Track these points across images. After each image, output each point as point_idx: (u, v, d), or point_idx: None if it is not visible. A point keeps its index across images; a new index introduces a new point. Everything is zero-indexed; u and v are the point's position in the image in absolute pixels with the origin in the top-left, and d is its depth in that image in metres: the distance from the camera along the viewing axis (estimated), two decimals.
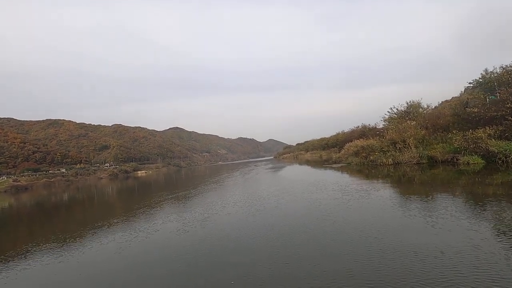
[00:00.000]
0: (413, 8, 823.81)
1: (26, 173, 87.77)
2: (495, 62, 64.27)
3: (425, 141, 20.89)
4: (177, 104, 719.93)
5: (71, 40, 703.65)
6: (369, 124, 38.18)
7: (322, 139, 69.69)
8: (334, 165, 27.50)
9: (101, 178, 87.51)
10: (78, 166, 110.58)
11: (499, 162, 14.72)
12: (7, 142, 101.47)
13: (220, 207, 11.41)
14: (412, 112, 28.00)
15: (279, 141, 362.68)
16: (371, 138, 27.35)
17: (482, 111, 18.14)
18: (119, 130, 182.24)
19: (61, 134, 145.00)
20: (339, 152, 35.11)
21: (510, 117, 15.88)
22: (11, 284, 5.88)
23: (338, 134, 57.21)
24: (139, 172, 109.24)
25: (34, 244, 8.92)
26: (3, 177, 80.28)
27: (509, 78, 19.47)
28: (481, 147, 15.80)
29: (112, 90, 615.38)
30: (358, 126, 42.64)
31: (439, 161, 18.14)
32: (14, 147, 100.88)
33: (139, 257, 6.51)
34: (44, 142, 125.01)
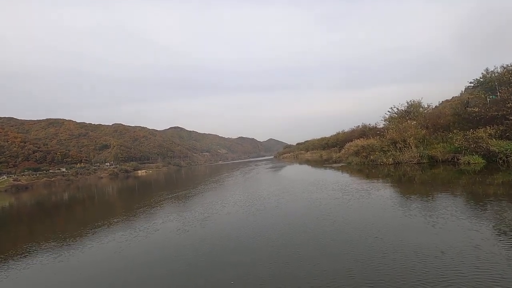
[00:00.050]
0: (413, 8, 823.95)
1: (27, 173, 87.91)
2: (495, 62, 64.29)
3: (425, 140, 20.88)
4: (177, 104, 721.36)
5: (71, 40, 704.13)
6: (370, 124, 38.33)
7: (322, 139, 69.78)
8: (334, 165, 27.48)
9: (102, 178, 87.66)
10: (78, 165, 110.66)
11: (500, 162, 14.72)
12: (7, 141, 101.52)
13: (220, 207, 11.41)
14: (412, 111, 28.00)
15: (279, 141, 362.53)
16: (371, 137, 27.37)
17: (483, 111, 18.13)
18: (119, 129, 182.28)
19: (62, 133, 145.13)
20: (339, 152, 35.09)
21: (511, 117, 15.87)
22: (11, 284, 5.88)
23: (338, 133, 57.33)
24: (139, 171, 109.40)
25: (34, 243, 8.94)
26: (4, 176, 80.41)
27: (510, 78, 19.42)
28: (482, 146, 15.79)
29: (112, 90, 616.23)
30: (359, 125, 42.81)
31: (439, 160, 18.13)
32: (15, 147, 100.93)
33: (139, 257, 6.51)
34: (44, 141, 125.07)
